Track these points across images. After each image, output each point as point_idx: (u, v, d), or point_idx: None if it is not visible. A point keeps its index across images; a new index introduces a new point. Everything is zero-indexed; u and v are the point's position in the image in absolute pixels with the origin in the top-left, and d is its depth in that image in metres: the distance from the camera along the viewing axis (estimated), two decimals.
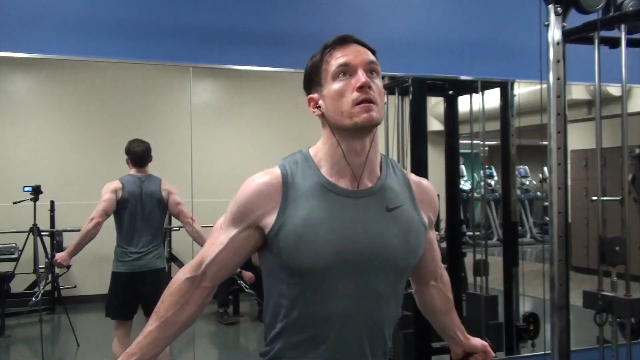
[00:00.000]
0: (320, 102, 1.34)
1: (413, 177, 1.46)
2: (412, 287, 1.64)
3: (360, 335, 1.35)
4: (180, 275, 1.40)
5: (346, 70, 1.30)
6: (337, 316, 1.32)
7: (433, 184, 1.50)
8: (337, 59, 1.31)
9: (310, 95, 1.37)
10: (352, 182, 1.34)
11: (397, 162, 1.37)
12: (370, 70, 1.31)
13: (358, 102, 1.27)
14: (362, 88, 1.27)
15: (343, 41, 1.34)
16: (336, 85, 1.30)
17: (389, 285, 1.36)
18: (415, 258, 1.40)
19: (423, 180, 1.47)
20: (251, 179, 1.35)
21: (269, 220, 1.31)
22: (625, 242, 2.50)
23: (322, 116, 1.34)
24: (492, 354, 1.61)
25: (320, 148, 1.37)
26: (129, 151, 3.73)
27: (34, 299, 3.78)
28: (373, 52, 1.36)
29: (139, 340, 1.37)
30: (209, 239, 1.41)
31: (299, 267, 1.29)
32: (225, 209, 1.39)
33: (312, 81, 1.36)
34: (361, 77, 1.28)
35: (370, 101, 1.27)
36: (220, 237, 1.37)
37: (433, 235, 1.52)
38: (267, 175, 1.34)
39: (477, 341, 1.63)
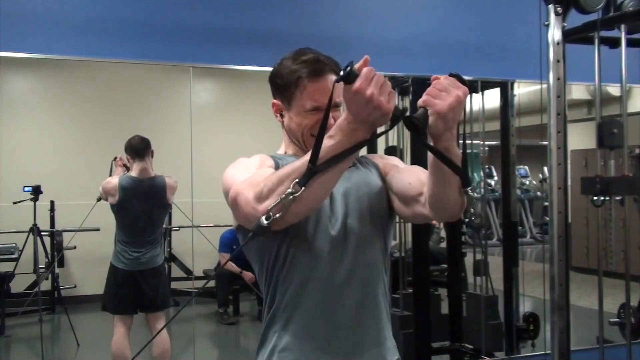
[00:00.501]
0: (284, 113, 1.46)
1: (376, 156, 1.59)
2: (429, 214, 1.38)
3: (352, 300, 1.37)
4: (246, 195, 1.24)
5: (316, 110, 1.39)
6: (326, 256, 1.36)
7: None
8: (311, 97, 1.38)
9: (275, 102, 1.48)
10: None
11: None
12: (336, 107, 1.36)
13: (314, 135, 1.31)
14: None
15: (317, 74, 1.39)
16: (302, 119, 1.41)
17: (369, 228, 1.41)
18: (378, 199, 1.44)
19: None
20: (244, 157, 1.44)
21: None
22: (623, 126, 2.49)
23: (283, 125, 1.49)
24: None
25: (286, 147, 1.52)
26: (126, 147, 3.72)
27: (35, 289, 3.76)
28: (339, 71, 1.31)
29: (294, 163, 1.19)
30: (244, 170, 1.36)
31: (287, 234, 1.35)
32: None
33: (280, 92, 1.45)
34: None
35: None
36: (251, 173, 1.33)
37: (404, 166, 1.54)
38: (261, 154, 1.46)
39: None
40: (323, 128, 1.13)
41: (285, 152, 1.51)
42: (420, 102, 1.15)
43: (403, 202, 1.41)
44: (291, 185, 1.11)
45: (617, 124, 2.51)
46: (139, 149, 3.68)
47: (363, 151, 1.32)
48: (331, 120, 1.26)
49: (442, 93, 1.15)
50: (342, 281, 1.37)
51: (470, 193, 1.25)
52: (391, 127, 1.16)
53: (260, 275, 1.44)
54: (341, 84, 1.11)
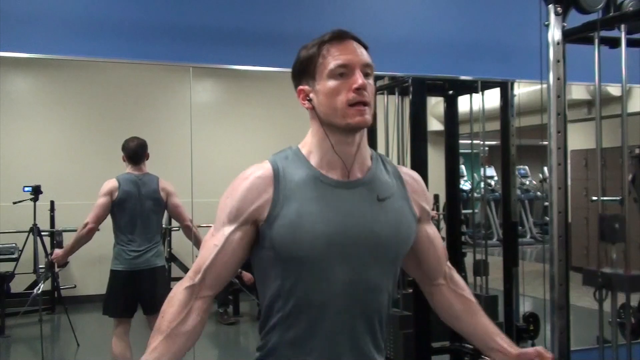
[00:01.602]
0: (311, 95, 1.34)
1: (404, 169, 1.48)
2: (424, 291, 1.58)
3: (354, 328, 1.34)
4: (178, 288, 1.36)
5: (343, 71, 1.30)
6: (331, 304, 1.32)
7: (433, 184, 1.51)
8: (336, 57, 1.31)
9: (301, 87, 1.36)
10: (342, 173, 1.35)
11: (398, 162, 1.37)
12: (365, 72, 1.32)
13: (353, 104, 1.29)
14: (359, 90, 1.28)
15: (341, 37, 1.33)
16: (332, 83, 1.30)
17: (381, 275, 1.37)
18: (405, 248, 1.41)
19: (413, 172, 1.49)
20: (242, 175, 1.36)
21: (264, 214, 1.31)
22: (624, 220, 2.49)
23: (312, 109, 1.35)
24: (549, 354, 1.42)
25: (308, 141, 1.38)
26: (123, 147, 3.72)
27: (35, 290, 3.76)
28: (366, 48, 1.36)
29: (145, 357, 1.31)
30: (202, 248, 1.38)
31: (294, 256, 1.30)
32: None
33: (304, 73, 1.35)
34: (358, 78, 1.29)
35: (364, 104, 1.30)
36: (214, 240, 1.35)
37: (432, 230, 1.51)
38: (259, 170, 1.35)
39: (529, 349, 1.44)
40: None
41: (308, 156, 1.36)
42: None
43: (415, 265, 1.50)
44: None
45: (618, 218, 2.50)
46: (135, 152, 3.71)
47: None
48: (360, 80, 1.28)
49: None
50: (345, 326, 1.34)
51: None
52: None
53: (259, 288, 1.41)
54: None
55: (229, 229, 1.33)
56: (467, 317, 1.52)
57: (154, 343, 1.32)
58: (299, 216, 1.29)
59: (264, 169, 1.35)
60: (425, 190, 1.49)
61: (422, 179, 1.49)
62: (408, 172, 1.47)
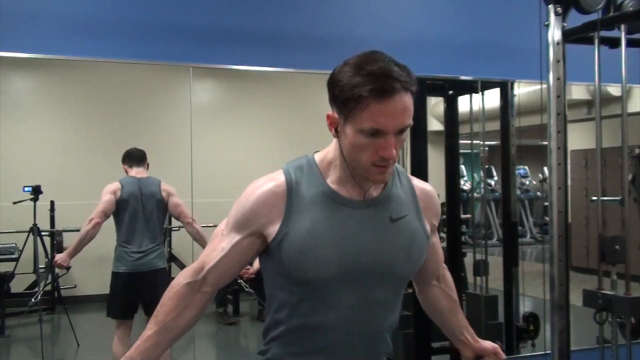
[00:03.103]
0: (339, 128, 1.26)
1: (417, 184, 1.44)
2: (415, 288, 1.63)
3: (359, 343, 1.35)
4: (180, 280, 1.37)
5: (377, 133, 1.20)
6: (337, 326, 1.32)
7: (433, 184, 1.51)
8: (373, 118, 1.18)
9: (331, 114, 1.28)
10: (357, 191, 1.32)
11: (398, 162, 1.33)
12: (401, 131, 1.22)
13: (376, 165, 1.24)
14: (385, 160, 1.23)
15: (384, 94, 1.17)
16: (360, 140, 1.21)
17: (389, 294, 1.37)
18: (416, 268, 1.40)
19: (427, 186, 1.46)
20: (255, 185, 1.32)
21: (273, 229, 1.29)
22: (625, 241, 2.50)
23: (337, 141, 1.30)
24: (503, 355, 1.58)
25: (327, 158, 1.33)
26: (125, 156, 3.78)
27: (33, 299, 3.78)
28: (413, 92, 1.22)
29: (138, 344, 1.35)
30: (210, 244, 1.39)
31: (301, 278, 1.29)
32: (225, 209, 1.39)
33: (337, 104, 1.24)
34: (388, 148, 1.20)
35: (388, 166, 1.25)
36: (222, 243, 1.35)
37: (436, 239, 1.52)
38: (272, 182, 1.30)
39: (487, 344, 1.60)
40: None
41: (327, 171, 1.32)
42: None
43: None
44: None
45: (619, 240, 2.50)
46: (137, 156, 3.78)
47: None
48: (390, 151, 1.20)
49: None
50: (353, 336, 1.35)
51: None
52: None
53: (267, 290, 1.40)
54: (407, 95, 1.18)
55: (236, 236, 1.33)
56: (448, 314, 1.61)
57: (148, 332, 1.36)
58: (308, 236, 1.27)
59: (277, 182, 1.30)
60: (438, 205, 1.47)
61: (435, 193, 1.47)
62: (421, 187, 1.44)
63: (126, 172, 3.76)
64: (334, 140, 1.32)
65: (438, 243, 1.54)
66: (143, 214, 3.66)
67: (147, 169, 3.81)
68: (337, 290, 1.30)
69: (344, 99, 1.20)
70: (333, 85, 1.24)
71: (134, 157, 3.77)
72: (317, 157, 1.35)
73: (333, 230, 1.28)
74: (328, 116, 1.28)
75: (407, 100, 1.20)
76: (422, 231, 1.39)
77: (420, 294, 1.63)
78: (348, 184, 1.31)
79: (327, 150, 1.34)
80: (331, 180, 1.32)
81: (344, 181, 1.31)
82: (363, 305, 1.32)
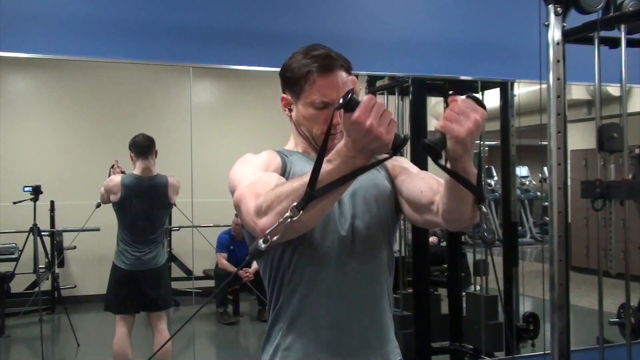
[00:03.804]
0: (292, 106, 1.46)
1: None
2: (438, 221, 1.38)
3: (357, 302, 1.39)
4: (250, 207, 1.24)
5: (324, 105, 1.38)
6: (333, 258, 1.37)
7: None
8: (319, 91, 1.38)
9: (285, 96, 1.47)
10: None
11: None
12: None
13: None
14: (335, 127, 1.32)
15: (328, 69, 1.39)
16: (311, 112, 1.41)
17: (376, 231, 1.42)
18: (387, 204, 1.45)
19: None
20: (247, 153, 1.45)
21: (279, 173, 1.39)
22: (622, 130, 2.49)
23: (291, 119, 1.48)
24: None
25: (291, 144, 1.52)
26: (131, 144, 3.68)
27: (35, 289, 3.74)
28: (350, 69, 1.42)
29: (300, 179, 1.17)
30: (243, 175, 1.34)
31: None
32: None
33: (289, 85, 1.44)
34: (337, 118, 1.26)
35: (336, 134, 1.33)
36: (258, 176, 1.31)
37: (414, 170, 1.49)
38: (269, 150, 1.46)
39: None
40: (323, 151, 1.11)
41: (294, 148, 1.50)
42: (437, 126, 1.13)
43: (414, 209, 1.41)
44: (289, 209, 1.10)
45: (616, 127, 2.51)
46: (143, 147, 3.66)
47: None
48: (337, 118, 1.27)
49: (460, 117, 1.10)
50: (347, 283, 1.38)
51: (485, 210, 1.24)
52: (392, 155, 1.15)
53: (264, 273, 1.45)
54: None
55: (265, 170, 1.37)
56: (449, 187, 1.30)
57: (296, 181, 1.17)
58: None
59: (273, 151, 1.46)
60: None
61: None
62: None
63: (132, 159, 3.68)
64: (291, 135, 1.51)
65: (419, 172, 1.48)
66: (146, 215, 3.64)
67: (156, 156, 3.69)
68: (330, 246, 1.37)
69: (295, 78, 1.41)
70: (285, 70, 1.45)
71: (139, 147, 3.65)
72: (288, 146, 1.52)
73: None
74: (282, 98, 1.48)
75: (346, 76, 1.41)
76: (387, 180, 1.47)
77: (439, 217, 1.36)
78: (312, 152, 1.46)
79: (291, 140, 1.52)
80: (302, 150, 1.49)
81: (309, 150, 1.47)
82: (352, 238, 1.39)
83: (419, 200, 1.37)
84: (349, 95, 1.08)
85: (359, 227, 1.40)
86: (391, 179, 1.47)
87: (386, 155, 1.14)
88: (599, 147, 2.51)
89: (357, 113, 1.06)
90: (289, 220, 1.09)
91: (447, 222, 1.30)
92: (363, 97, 1.09)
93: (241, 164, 1.40)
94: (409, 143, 1.31)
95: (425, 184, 1.38)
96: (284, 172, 1.40)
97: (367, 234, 1.40)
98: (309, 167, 1.30)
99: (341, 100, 1.08)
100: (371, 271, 1.42)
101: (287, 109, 1.48)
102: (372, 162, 1.14)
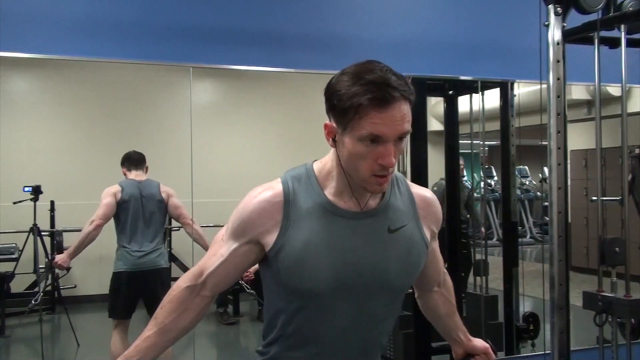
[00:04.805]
0: (337, 138, 1.26)
1: (417, 191, 1.42)
2: (417, 294, 1.64)
3: (355, 350, 1.38)
4: (180, 283, 1.39)
5: (376, 140, 1.20)
6: (333, 336, 1.34)
7: (433, 184, 1.51)
8: (372, 125, 1.18)
9: (329, 123, 1.26)
10: (355, 202, 1.32)
11: (398, 162, 1.31)
12: (400, 138, 1.22)
13: (376, 175, 1.23)
14: (385, 169, 1.22)
15: (384, 102, 1.17)
16: (360, 148, 1.21)
17: (385, 305, 1.37)
18: (413, 278, 1.41)
19: (427, 193, 1.44)
20: (253, 193, 1.32)
21: (270, 239, 1.30)
22: (624, 243, 2.50)
23: (335, 151, 1.29)
24: (494, 356, 1.63)
25: (326, 168, 1.33)
26: (124, 159, 3.80)
27: (33, 301, 3.78)
28: (412, 97, 1.23)
29: (137, 343, 1.36)
30: (211, 249, 1.40)
31: (297, 289, 1.30)
32: (226, 209, 1.39)
33: (335, 112, 1.23)
34: (389, 156, 1.20)
35: (387, 176, 1.24)
36: (221, 249, 1.36)
37: (436, 245, 1.51)
38: (269, 192, 1.31)
39: (478, 342, 1.65)
40: None
41: (325, 182, 1.31)
42: None
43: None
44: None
45: (619, 242, 2.50)
46: (136, 159, 3.80)
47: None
48: (390, 158, 1.20)
49: None
50: (346, 349, 1.37)
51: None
52: None
53: (265, 293, 1.42)
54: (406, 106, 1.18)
55: (234, 243, 1.34)
56: (446, 318, 1.64)
57: (148, 332, 1.37)
58: (305, 247, 1.27)
59: (274, 191, 1.30)
60: (438, 211, 1.45)
61: (435, 199, 1.45)
62: (421, 194, 1.42)
63: (125, 175, 3.78)
64: (332, 150, 1.30)
65: (437, 249, 1.53)
66: (143, 216, 3.67)
67: (146, 172, 3.83)
68: (333, 302, 1.31)
69: (343, 108, 1.19)
70: (331, 95, 1.23)
71: (133, 161, 3.79)
72: (316, 166, 1.34)
73: (329, 241, 1.28)
74: (326, 125, 1.27)
75: (405, 109, 1.20)
76: (421, 239, 1.38)
77: (420, 299, 1.64)
78: (345, 194, 1.31)
79: (326, 161, 1.34)
80: (329, 191, 1.31)
81: (342, 192, 1.31)
82: (358, 315, 1.33)
83: (424, 279, 1.52)
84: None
85: (375, 310, 1.37)
86: (427, 245, 1.42)
87: None
88: (601, 261, 2.51)
89: None
90: None
91: (418, 289, 1.62)
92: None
93: (234, 214, 1.34)
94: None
95: (436, 271, 1.55)
96: (287, 205, 1.29)
97: (383, 312, 1.40)
98: (311, 201, 1.29)
99: None
100: (379, 322, 1.41)
101: (330, 139, 1.27)
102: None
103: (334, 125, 1.25)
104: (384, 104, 1.17)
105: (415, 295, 1.64)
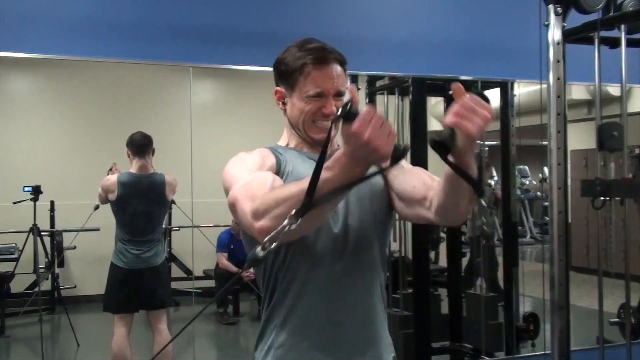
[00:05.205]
0: (286, 99, 1.47)
1: None
2: (427, 217, 1.38)
3: (350, 300, 1.39)
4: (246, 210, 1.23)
5: (318, 96, 1.41)
6: (326, 256, 1.37)
7: None
8: (314, 83, 1.40)
9: (279, 89, 1.49)
10: (314, 151, 1.44)
11: None
12: (338, 94, 1.42)
13: (316, 120, 1.43)
14: (327, 116, 1.40)
15: (323, 61, 1.41)
16: (304, 104, 1.42)
17: (369, 228, 1.42)
18: (380, 201, 1.46)
19: None
20: (241, 152, 1.45)
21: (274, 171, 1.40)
22: (622, 128, 2.49)
23: (285, 113, 1.50)
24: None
25: (284, 138, 1.53)
26: (128, 142, 3.69)
27: (35, 289, 3.74)
28: (344, 64, 1.45)
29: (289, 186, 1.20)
30: (241, 180, 1.31)
31: None
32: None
33: (284, 78, 1.46)
34: (329, 106, 1.40)
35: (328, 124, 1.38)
36: (252, 175, 1.32)
37: (407, 166, 1.50)
38: (262, 148, 1.47)
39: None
40: (322, 159, 1.09)
41: (287, 144, 1.51)
42: (448, 122, 1.11)
43: (405, 203, 1.42)
44: (288, 217, 1.08)
45: (616, 126, 2.51)
46: (140, 145, 3.67)
47: None
48: (333, 108, 1.39)
49: (470, 113, 1.09)
50: (340, 281, 1.39)
51: (483, 204, 1.26)
52: (391, 165, 1.13)
53: (258, 273, 1.46)
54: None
55: (259, 170, 1.38)
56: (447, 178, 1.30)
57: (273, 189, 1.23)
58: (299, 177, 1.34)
59: (264, 149, 1.48)
60: None
61: None
62: None
63: (129, 157, 3.68)
64: (284, 130, 1.53)
65: (412, 168, 1.48)
66: (142, 214, 3.64)
67: (153, 154, 3.70)
68: (323, 244, 1.37)
69: (290, 71, 1.43)
70: (279, 64, 1.47)
71: (136, 146, 3.66)
72: (282, 141, 1.54)
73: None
74: (276, 91, 1.49)
75: (339, 70, 1.43)
76: (379, 176, 1.44)
77: (431, 213, 1.36)
78: (305, 147, 1.49)
79: (284, 135, 1.53)
80: (295, 147, 1.50)
81: (302, 145, 1.49)
82: (345, 235, 1.39)
83: (412, 195, 1.39)
84: (348, 106, 1.06)
85: (352, 224, 1.40)
86: (383, 174, 1.46)
87: (385, 165, 1.12)
88: (599, 146, 2.51)
89: (356, 125, 1.04)
90: (287, 228, 1.08)
91: (440, 217, 1.32)
92: (363, 107, 1.08)
93: (235, 162, 1.40)
94: (408, 141, 1.30)
95: (418, 179, 1.40)
96: (279, 170, 1.41)
97: (359, 231, 1.41)
98: (303, 166, 1.40)
99: (340, 111, 1.07)
100: (363, 268, 1.42)
101: (280, 102, 1.49)
102: (370, 172, 1.13)
103: (283, 89, 1.47)
104: (323, 62, 1.41)
105: (431, 215, 1.36)
